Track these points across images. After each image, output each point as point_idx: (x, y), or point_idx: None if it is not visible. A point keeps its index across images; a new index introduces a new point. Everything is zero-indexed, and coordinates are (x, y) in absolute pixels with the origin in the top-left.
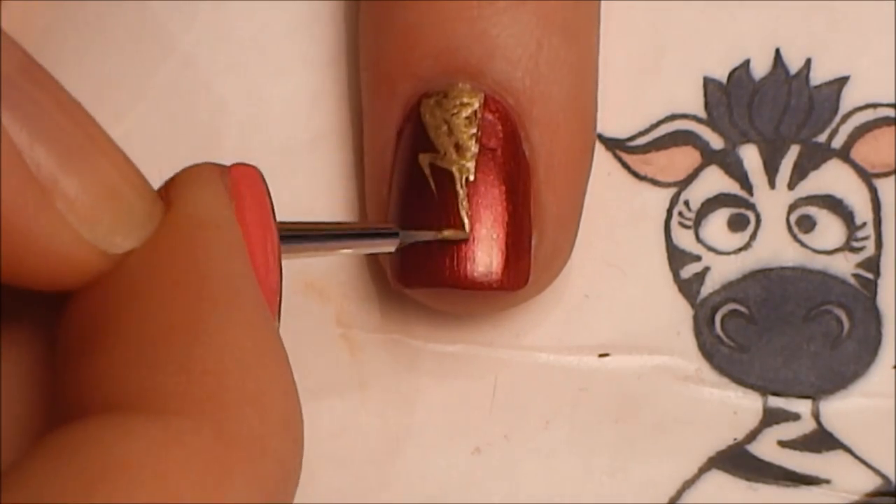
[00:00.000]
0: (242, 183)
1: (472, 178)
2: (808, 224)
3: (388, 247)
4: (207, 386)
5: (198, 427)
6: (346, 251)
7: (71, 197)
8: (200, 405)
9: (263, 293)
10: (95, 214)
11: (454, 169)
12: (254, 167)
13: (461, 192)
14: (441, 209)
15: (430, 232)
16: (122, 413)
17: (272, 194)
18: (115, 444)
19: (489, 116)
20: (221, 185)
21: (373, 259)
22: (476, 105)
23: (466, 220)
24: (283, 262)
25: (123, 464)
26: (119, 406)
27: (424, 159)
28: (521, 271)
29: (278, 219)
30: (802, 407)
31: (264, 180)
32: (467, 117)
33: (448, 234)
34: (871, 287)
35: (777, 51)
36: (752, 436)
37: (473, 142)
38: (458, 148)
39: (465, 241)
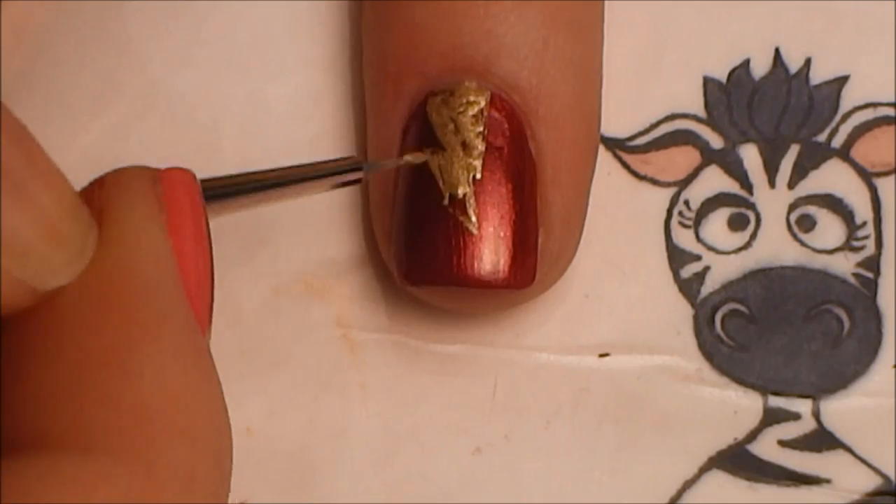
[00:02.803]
0: (175, 191)
1: (478, 176)
2: (808, 223)
3: (353, 177)
4: (135, 421)
5: (127, 465)
6: (316, 192)
7: (6, 234)
8: (129, 441)
9: (194, 308)
10: (30, 252)
11: (461, 167)
12: (188, 172)
13: (468, 191)
14: (448, 207)
15: (392, 159)
16: (52, 453)
17: None
18: (45, 492)
19: (496, 114)
20: (153, 196)
21: (374, 259)
22: (482, 103)
23: (474, 218)
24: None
25: None
26: (49, 443)
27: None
28: (528, 269)
29: (249, 168)
30: (803, 406)
31: (198, 185)
32: (474, 115)
33: (409, 157)
34: (871, 286)
35: (777, 50)
36: (753, 435)
37: (480, 140)
38: (465, 146)
39: (424, 163)
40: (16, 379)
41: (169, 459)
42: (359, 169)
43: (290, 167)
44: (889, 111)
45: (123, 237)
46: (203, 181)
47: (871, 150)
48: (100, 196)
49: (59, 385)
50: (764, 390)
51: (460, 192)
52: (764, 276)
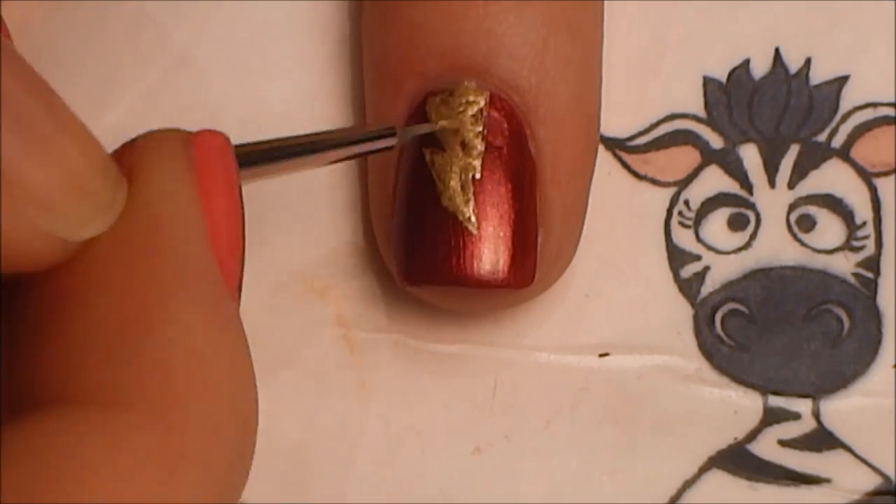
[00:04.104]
0: (207, 154)
1: (478, 176)
2: (808, 223)
3: (386, 143)
4: (158, 378)
5: (149, 422)
6: (348, 158)
7: (32, 187)
8: (151, 399)
9: (224, 270)
10: (57, 204)
11: (460, 167)
12: (221, 135)
13: (468, 191)
14: (448, 207)
15: (428, 124)
16: (75, 409)
17: (270, 194)
18: (70, 446)
19: (495, 114)
20: (184, 158)
21: (374, 259)
22: (482, 103)
23: (473, 218)
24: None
25: (78, 467)
26: (73, 399)
27: (430, 157)
28: (528, 269)
29: (278, 134)
30: (803, 406)
31: (231, 148)
32: (473, 115)
33: (444, 123)
34: (871, 286)
35: (777, 50)
36: (753, 435)
37: (479, 140)
38: (464, 146)
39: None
40: (40, 333)
41: (190, 416)
42: (392, 135)
43: (323, 132)
44: (889, 111)
45: (152, 195)
46: (236, 146)
47: (871, 150)
48: (130, 156)
49: (83, 340)
50: (764, 390)
51: (460, 191)
52: (764, 276)
